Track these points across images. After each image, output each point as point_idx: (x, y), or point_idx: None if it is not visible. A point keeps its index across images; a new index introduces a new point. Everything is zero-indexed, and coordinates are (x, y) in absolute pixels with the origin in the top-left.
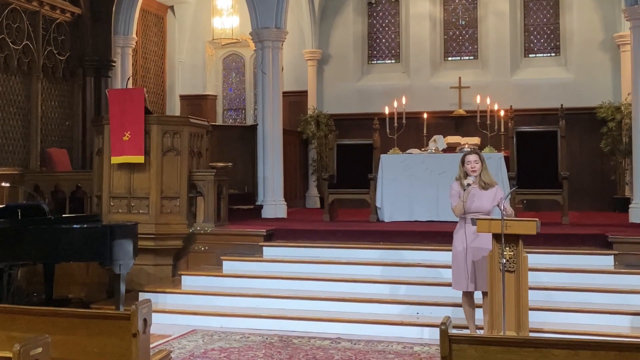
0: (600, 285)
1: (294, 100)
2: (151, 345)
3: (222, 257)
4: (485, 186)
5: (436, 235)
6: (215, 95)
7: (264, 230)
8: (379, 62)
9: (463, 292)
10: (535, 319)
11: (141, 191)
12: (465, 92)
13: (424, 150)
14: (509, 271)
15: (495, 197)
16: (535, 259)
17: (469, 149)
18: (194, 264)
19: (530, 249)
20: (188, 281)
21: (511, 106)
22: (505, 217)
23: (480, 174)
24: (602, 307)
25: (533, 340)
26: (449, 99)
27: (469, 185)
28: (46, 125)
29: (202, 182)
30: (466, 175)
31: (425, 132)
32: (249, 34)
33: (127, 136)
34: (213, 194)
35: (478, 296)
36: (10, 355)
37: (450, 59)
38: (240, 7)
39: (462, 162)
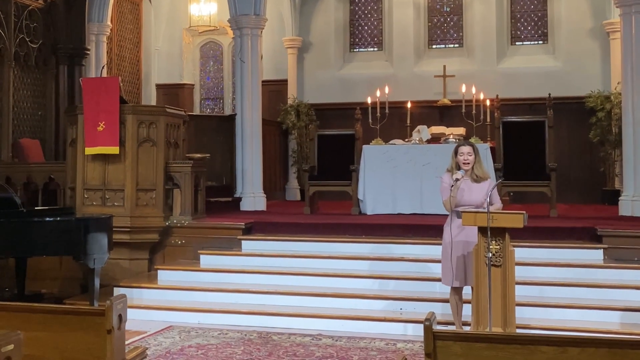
0: (589, 280)
1: (274, 90)
2: (126, 342)
3: (199, 251)
4: (477, 179)
5: (420, 228)
6: (193, 84)
7: (243, 224)
8: (361, 50)
9: (451, 287)
10: (523, 314)
11: (116, 183)
12: (450, 81)
13: (408, 140)
14: (495, 265)
15: (487, 191)
16: (522, 253)
17: (454, 140)
18: (170, 258)
19: (517, 242)
20: (164, 276)
21: (497, 95)
22: (490, 210)
23: (473, 167)
24: (591, 302)
25: (520, 337)
26: (434, 88)
27: (457, 180)
28: (18, 115)
29: (179, 173)
30: (458, 167)
31: (408, 122)
32: (227, 21)
33: (102, 126)
34: (190, 186)
35: (468, 291)
36: None
37: (434, 47)
38: None
39: (455, 152)
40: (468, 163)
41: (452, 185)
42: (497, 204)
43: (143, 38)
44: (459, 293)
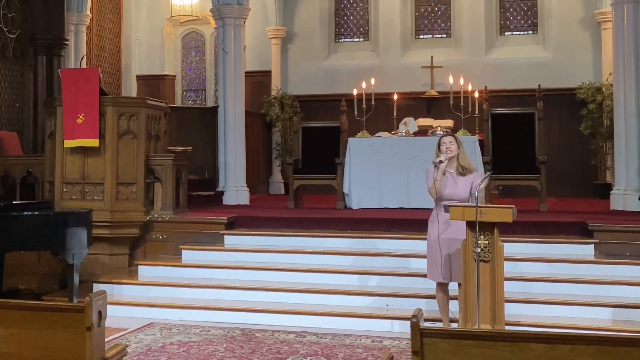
0: (579, 275)
1: (257, 81)
2: (106, 339)
3: (181, 246)
4: (463, 172)
5: (407, 223)
6: (174, 76)
7: (225, 218)
8: (346, 40)
9: (437, 282)
10: (512, 311)
11: (96, 176)
12: (438, 72)
13: (394, 133)
14: (483, 261)
15: (473, 184)
16: (511, 248)
17: (442, 132)
18: (151, 254)
19: (506, 237)
20: (145, 271)
21: (486, 87)
22: (479, 204)
23: (458, 158)
24: (582, 298)
25: (509, 334)
26: (421, 79)
27: (440, 162)
28: None
29: (160, 167)
30: None
31: (395, 114)
32: (210, 10)
33: (81, 118)
34: (171, 180)
35: (454, 287)
36: None
37: (421, 37)
38: None
39: (438, 145)
40: (451, 150)
41: (435, 166)
42: (482, 187)
43: (123, 28)
44: (445, 289)
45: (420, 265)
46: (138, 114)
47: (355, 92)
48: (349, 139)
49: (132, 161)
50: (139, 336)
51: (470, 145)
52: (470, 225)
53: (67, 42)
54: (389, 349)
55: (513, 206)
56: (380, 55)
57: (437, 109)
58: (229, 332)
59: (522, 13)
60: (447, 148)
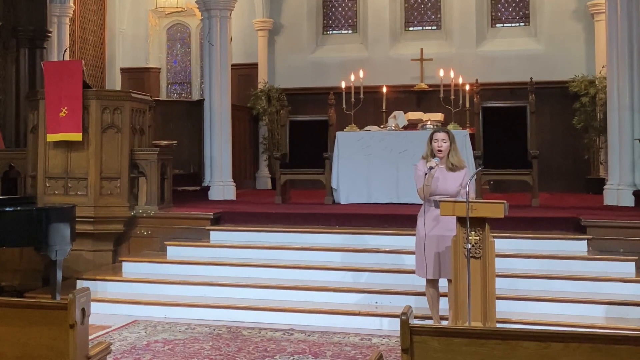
0: (572, 272)
1: (244, 74)
2: (90, 337)
3: (166, 242)
4: (452, 167)
5: (396, 218)
6: (159, 68)
7: (211, 213)
8: (334, 32)
9: (427, 279)
10: (503, 308)
11: (79, 171)
12: (428, 64)
13: (383, 127)
14: (474, 257)
15: (462, 181)
16: (502, 244)
17: (432, 126)
18: (135, 250)
19: (498, 233)
20: (129, 268)
21: (477, 80)
22: (470, 200)
23: (448, 155)
24: (575, 295)
25: (500, 332)
26: (410, 72)
27: (431, 168)
28: None
29: (145, 161)
30: (433, 154)
31: (384, 107)
32: (195, 2)
33: (64, 112)
34: (156, 175)
35: (444, 284)
36: None
37: (411, 29)
38: None
39: (430, 139)
40: (442, 150)
41: (426, 174)
42: (471, 194)
43: (107, 20)
44: (434, 285)
45: (410, 261)
46: (122, 107)
47: (343, 85)
48: (338, 133)
49: (116, 155)
50: (123, 334)
51: (461, 139)
52: (461, 220)
53: (49, 34)
54: (378, 347)
55: (504, 201)
56: (369, 48)
57: (427, 102)
58: (214, 329)
59: (513, 4)
60: (438, 147)
